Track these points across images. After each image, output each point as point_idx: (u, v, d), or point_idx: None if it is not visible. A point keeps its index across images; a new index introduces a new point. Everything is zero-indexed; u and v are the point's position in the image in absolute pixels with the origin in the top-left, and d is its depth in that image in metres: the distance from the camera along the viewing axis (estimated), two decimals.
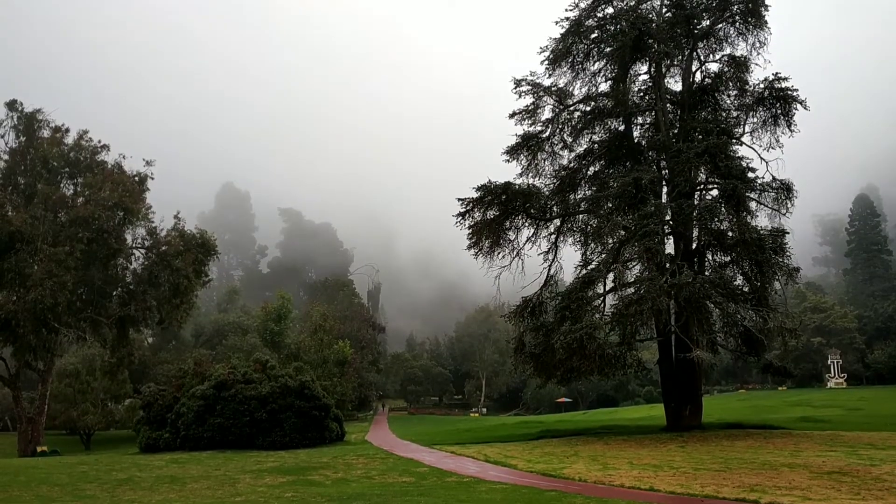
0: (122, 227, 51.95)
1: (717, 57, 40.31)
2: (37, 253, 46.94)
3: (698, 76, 40.74)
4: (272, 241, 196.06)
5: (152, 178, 55.24)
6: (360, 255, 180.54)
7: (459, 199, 39.69)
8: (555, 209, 40.83)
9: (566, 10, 40.42)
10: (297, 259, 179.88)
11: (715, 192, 37.12)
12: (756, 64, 38.84)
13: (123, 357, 55.99)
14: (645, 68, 41.13)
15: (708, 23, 39.77)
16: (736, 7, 38.97)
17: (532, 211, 40.17)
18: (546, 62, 40.86)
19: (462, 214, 39.74)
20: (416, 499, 16.91)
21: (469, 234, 39.90)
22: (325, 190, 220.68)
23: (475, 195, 39.24)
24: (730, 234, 35.41)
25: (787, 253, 34.95)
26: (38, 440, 49.48)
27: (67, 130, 54.57)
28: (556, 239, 41.02)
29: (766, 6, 38.81)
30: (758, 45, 39.16)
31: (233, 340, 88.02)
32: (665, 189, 37.93)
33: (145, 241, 53.80)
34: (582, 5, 40.24)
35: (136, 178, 54.05)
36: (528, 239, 40.88)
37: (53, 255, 45.95)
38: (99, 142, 55.24)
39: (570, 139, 41.78)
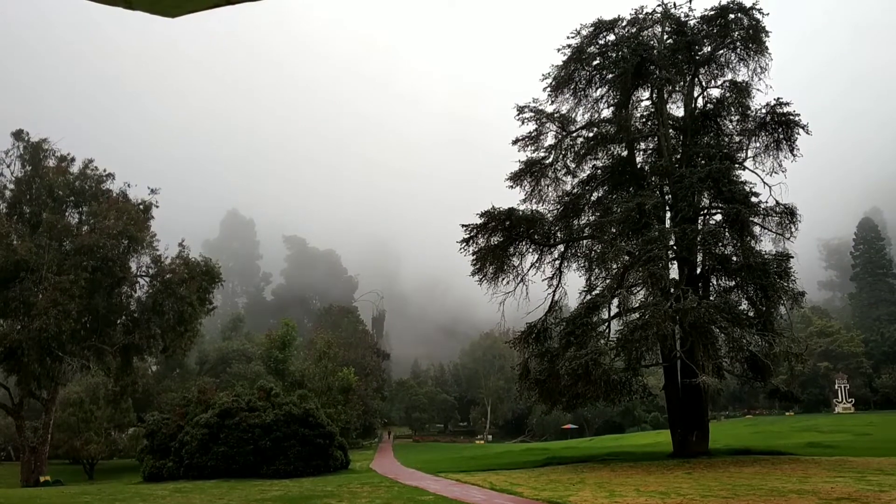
0: (126, 256, 52.10)
1: (719, 82, 40.62)
2: (41, 282, 47.06)
3: (700, 101, 41.02)
4: (276, 269, 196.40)
5: (157, 206, 55.56)
6: (365, 282, 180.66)
7: (463, 226, 39.88)
8: (559, 235, 40.96)
9: (568, 37, 40.88)
10: (302, 286, 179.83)
11: (718, 217, 37.22)
12: (758, 89, 39.14)
13: (127, 385, 55.90)
14: (647, 94, 41.44)
15: (709, 49, 40.08)
16: (737, 33, 39.30)
17: (536, 237, 40.30)
18: (548, 89, 41.21)
19: (466, 241, 39.88)
20: None
21: (473, 260, 40.02)
22: (330, 217, 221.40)
23: (479, 221, 39.44)
24: (734, 258, 35.43)
25: (792, 277, 34.94)
26: (41, 470, 49.22)
27: (73, 159, 55.04)
28: (561, 264, 41.09)
29: (767, 32, 39.13)
30: (759, 70, 39.45)
31: (237, 368, 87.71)
32: (669, 214, 38.00)
33: (150, 269, 53.93)
34: (584, 33, 40.64)
35: (141, 207, 54.35)
36: (533, 265, 41.01)
37: (58, 284, 46.06)
38: (104, 170, 55.67)
39: (573, 165, 42.02)
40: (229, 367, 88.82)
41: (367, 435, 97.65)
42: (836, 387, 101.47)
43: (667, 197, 38.54)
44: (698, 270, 37.16)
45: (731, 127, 40.36)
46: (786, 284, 34.61)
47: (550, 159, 41.82)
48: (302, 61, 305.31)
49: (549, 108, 41.38)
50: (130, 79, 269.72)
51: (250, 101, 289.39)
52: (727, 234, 35.55)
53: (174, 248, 55.10)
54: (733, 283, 36.83)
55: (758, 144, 38.85)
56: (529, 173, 41.71)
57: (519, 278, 40.77)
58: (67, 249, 50.34)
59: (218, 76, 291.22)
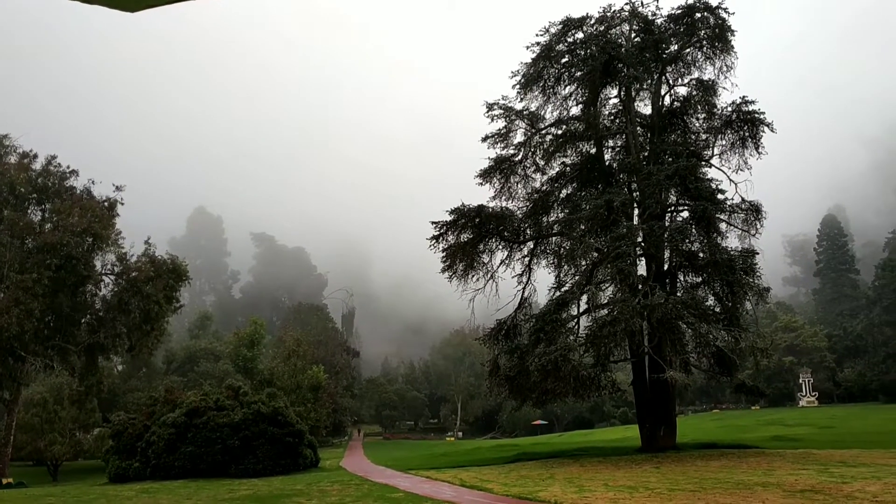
0: (91, 254, 51.27)
1: (686, 81, 41.05)
2: (3, 280, 46.20)
3: (667, 100, 41.39)
4: (245, 267, 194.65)
5: (122, 204, 54.74)
6: (334, 280, 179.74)
7: (433, 223, 39.87)
8: (528, 232, 41.10)
9: (537, 35, 40.99)
10: (271, 284, 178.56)
11: (685, 214, 37.60)
12: (724, 87, 39.61)
13: (92, 385, 55.01)
14: (615, 92, 41.72)
15: (676, 47, 40.44)
16: (703, 32, 39.69)
17: (505, 234, 40.41)
18: (518, 86, 41.28)
19: (436, 238, 39.87)
20: None
21: (443, 257, 40.02)
22: (299, 214, 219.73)
23: (449, 218, 39.45)
24: (701, 255, 35.82)
25: (758, 273, 35.43)
26: (2, 472, 48.29)
27: (35, 156, 54.06)
28: (530, 261, 41.24)
29: (733, 31, 39.59)
30: (725, 69, 39.91)
31: (205, 367, 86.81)
32: (636, 211, 38.28)
33: (115, 267, 53.14)
34: (553, 30, 40.77)
35: (106, 204, 53.52)
36: (502, 261, 41.10)
37: (20, 283, 45.21)
38: (68, 167, 54.75)
39: (542, 162, 42.15)
40: (197, 366, 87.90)
41: (336, 433, 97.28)
42: (801, 381, 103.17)
43: (635, 194, 38.82)
44: (666, 267, 37.51)
45: (697, 125, 40.80)
46: (751, 280, 35.09)
47: (520, 156, 41.95)
48: (271, 58, 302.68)
49: (519, 106, 41.52)
50: (92, 74, 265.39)
51: (218, 97, 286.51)
52: (694, 230, 35.94)
53: (140, 245, 54.40)
54: (700, 279, 37.25)
55: (724, 142, 39.32)
56: (499, 170, 41.79)
57: (489, 275, 40.86)
58: (30, 247, 49.45)
59: (184, 72, 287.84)
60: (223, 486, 30.57)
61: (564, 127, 41.49)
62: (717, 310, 36.02)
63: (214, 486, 30.83)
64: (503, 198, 42.07)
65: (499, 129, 41.56)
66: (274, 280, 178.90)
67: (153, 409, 44.76)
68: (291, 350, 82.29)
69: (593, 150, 41.57)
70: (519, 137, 41.90)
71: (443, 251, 40.00)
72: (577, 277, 37.48)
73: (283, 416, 41.59)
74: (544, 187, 42.19)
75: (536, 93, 41.58)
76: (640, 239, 35.85)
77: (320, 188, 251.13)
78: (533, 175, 42.59)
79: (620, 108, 41.63)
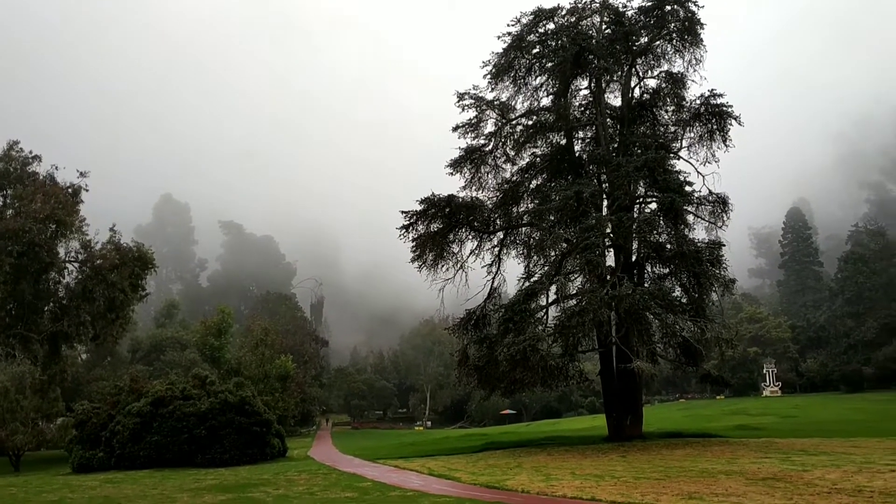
0: (54, 241, 50.38)
1: (656, 73, 41.30)
2: None
3: (637, 92, 41.64)
4: (212, 255, 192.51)
5: (86, 190, 53.88)
6: (303, 269, 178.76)
7: (403, 212, 39.76)
8: (498, 222, 41.16)
9: (508, 24, 40.94)
10: (238, 272, 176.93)
11: (654, 206, 37.87)
12: (692, 80, 39.94)
13: (55, 374, 54.19)
14: (585, 83, 41.81)
15: (646, 40, 40.64)
16: (673, 25, 39.94)
17: (475, 224, 40.43)
18: (489, 76, 41.21)
19: (406, 227, 39.78)
20: None
21: (413, 246, 39.95)
22: (267, 203, 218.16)
23: (419, 208, 39.37)
24: (668, 246, 36.15)
25: (724, 265, 35.86)
26: None
27: None
28: (500, 251, 41.33)
29: (702, 24, 39.92)
30: (694, 62, 40.23)
31: (171, 356, 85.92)
32: (606, 202, 38.48)
33: (79, 254, 52.28)
34: (524, 21, 40.74)
35: (70, 190, 52.60)
36: (472, 252, 41.12)
37: None
38: (30, 152, 53.72)
39: (512, 153, 42.20)
40: (163, 355, 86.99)
41: (305, 423, 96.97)
42: (765, 371, 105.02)
43: (604, 185, 39.03)
44: (634, 258, 37.79)
45: (666, 117, 41.12)
46: (717, 272, 35.51)
47: (490, 146, 41.94)
48: (241, 46, 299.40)
49: (490, 96, 41.47)
50: (58, 57, 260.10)
51: (186, 83, 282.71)
52: (662, 222, 36.26)
53: (105, 233, 53.58)
54: (667, 270, 37.59)
55: (692, 134, 39.69)
56: (469, 160, 41.76)
57: (458, 265, 40.87)
58: None
59: (153, 58, 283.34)
60: (189, 476, 30.32)
61: (535, 118, 41.54)
62: (684, 301, 36.40)
63: (180, 476, 30.56)
64: (473, 188, 42.09)
65: (469, 119, 41.52)
66: (242, 269, 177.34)
67: (118, 398, 44.15)
68: (259, 339, 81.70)
69: (563, 142, 41.67)
70: (490, 127, 41.91)
71: (412, 241, 39.92)
72: (546, 268, 37.59)
73: (251, 405, 41.32)
74: (514, 178, 42.26)
75: (507, 83, 41.56)
76: (608, 230, 36.06)
77: (289, 176, 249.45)
78: (503, 165, 42.65)
79: (591, 99, 41.77)
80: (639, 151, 37.86)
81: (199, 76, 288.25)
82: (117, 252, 51.83)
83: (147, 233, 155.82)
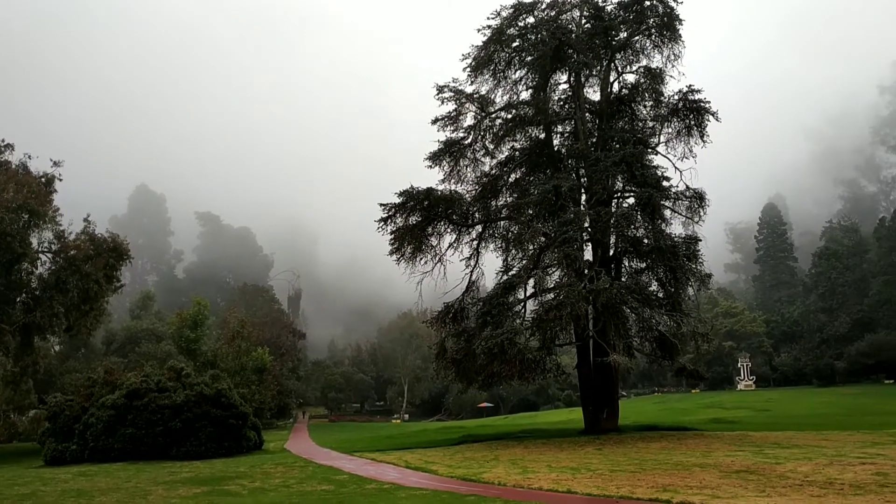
0: (27, 231, 49.56)
1: (634, 68, 41.49)
2: None
3: (616, 87, 41.82)
4: (189, 246, 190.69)
5: (60, 180, 53.05)
6: (280, 261, 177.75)
7: (382, 205, 39.68)
8: (476, 215, 41.19)
9: (488, 18, 40.94)
10: (215, 264, 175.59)
11: (631, 200, 38.10)
12: (671, 76, 40.23)
13: (27, 366, 53.49)
14: (565, 78, 41.93)
15: (625, 35, 40.80)
16: (652, 20, 40.13)
17: (454, 217, 40.43)
18: (468, 69, 41.21)
19: (384, 220, 39.71)
20: None
21: (391, 239, 39.90)
22: (244, 194, 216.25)
23: (397, 201, 39.32)
24: (645, 241, 36.36)
25: (700, 260, 36.21)
26: None
27: None
28: (478, 245, 41.39)
29: (681, 20, 40.14)
30: (672, 57, 40.50)
31: (146, 348, 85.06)
32: (584, 197, 38.65)
33: (52, 244, 51.52)
34: (504, 14, 40.73)
35: (43, 180, 51.79)
36: (451, 245, 41.16)
37: None
38: (2, 141, 52.81)
39: (491, 146, 42.21)
40: (138, 347, 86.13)
41: (281, 415, 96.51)
42: (739, 365, 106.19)
43: (582, 180, 39.20)
44: (611, 252, 38.00)
45: (644, 112, 41.33)
46: (694, 267, 35.83)
47: (469, 140, 41.94)
48: (216, 33, 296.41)
49: (469, 89, 41.47)
50: (32, 45, 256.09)
51: (161, 72, 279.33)
52: (639, 217, 36.46)
53: (79, 223, 52.80)
54: (644, 264, 37.83)
55: (670, 130, 39.94)
56: (448, 153, 41.74)
57: (437, 258, 40.91)
58: None
59: (128, 46, 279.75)
60: (164, 469, 30.09)
61: (514, 111, 41.54)
62: (661, 295, 36.66)
63: (155, 469, 30.32)
64: (452, 181, 42.14)
65: (449, 112, 41.50)
66: (219, 260, 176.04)
67: (92, 390, 43.65)
68: (236, 331, 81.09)
69: (542, 136, 41.74)
70: (469, 121, 41.92)
71: (391, 234, 39.87)
72: (524, 261, 37.69)
73: (227, 397, 41.02)
74: (493, 171, 42.29)
75: (487, 76, 41.59)
76: (586, 224, 36.23)
77: (267, 167, 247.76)
78: (482, 159, 42.68)
79: (570, 93, 41.89)
80: (617, 146, 38.05)
81: (175, 66, 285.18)
82: (91, 242, 51.17)
83: (122, 223, 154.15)
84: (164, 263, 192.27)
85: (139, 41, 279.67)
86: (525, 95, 41.79)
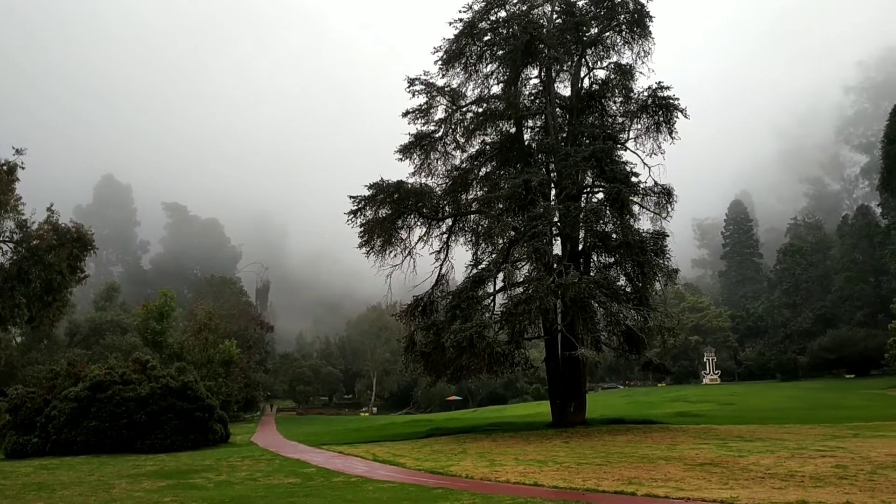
0: None
1: (605, 64, 41.66)
2: None
3: (586, 82, 41.95)
4: (155, 237, 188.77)
5: (23, 168, 51.83)
6: (249, 253, 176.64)
7: (351, 197, 39.50)
8: (447, 209, 41.16)
9: (460, 11, 40.81)
10: (182, 255, 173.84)
11: (600, 196, 38.33)
12: (640, 72, 40.39)
13: None
14: (536, 72, 41.98)
15: (596, 30, 40.96)
16: (623, 17, 40.34)
17: (424, 210, 40.36)
18: (440, 62, 41.09)
19: (354, 212, 39.54)
20: (301, 500, 16.59)
21: (361, 232, 39.71)
22: (212, 185, 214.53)
23: (367, 193, 39.15)
24: (614, 236, 36.60)
25: (667, 255, 36.55)
26: None
27: None
28: (448, 238, 41.35)
29: (651, 17, 40.40)
30: (643, 54, 40.72)
31: (111, 340, 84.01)
32: (553, 191, 38.79)
33: (14, 234, 50.41)
34: (476, 7, 40.68)
35: (5, 168, 50.62)
36: (420, 238, 41.08)
37: None
38: None
39: (462, 140, 42.16)
40: (102, 339, 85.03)
41: (249, 408, 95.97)
42: (705, 359, 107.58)
43: (552, 174, 39.32)
44: (580, 247, 38.19)
45: (614, 108, 41.50)
46: (661, 262, 36.15)
47: (440, 133, 41.86)
48: (186, 22, 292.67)
49: (440, 82, 41.35)
50: None
51: (130, 59, 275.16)
52: (608, 212, 36.67)
53: (42, 213, 51.72)
54: (613, 259, 38.08)
55: (639, 126, 40.14)
56: (419, 146, 41.63)
57: (407, 251, 40.81)
58: None
59: (95, 33, 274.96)
60: (128, 462, 29.73)
61: (485, 105, 41.54)
62: (628, 290, 36.94)
63: (119, 462, 29.95)
64: (423, 174, 42.02)
65: (420, 105, 41.33)
66: (186, 252, 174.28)
67: (54, 382, 43.01)
68: (203, 324, 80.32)
69: (513, 130, 41.80)
70: (440, 114, 41.79)
71: (360, 226, 39.69)
72: (493, 255, 37.75)
73: (193, 390, 40.67)
74: (464, 165, 42.27)
75: (458, 70, 41.51)
76: (556, 219, 36.34)
77: (236, 158, 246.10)
78: (453, 152, 42.62)
79: (541, 88, 41.97)
80: (587, 141, 38.24)
81: (143, 54, 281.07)
82: (55, 232, 50.21)
83: (87, 213, 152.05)
84: (129, 254, 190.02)
85: (107, 28, 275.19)
86: (496, 89, 41.84)
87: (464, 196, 41.64)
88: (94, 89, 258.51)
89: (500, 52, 40.36)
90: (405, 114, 41.49)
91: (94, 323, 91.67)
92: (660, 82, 39.03)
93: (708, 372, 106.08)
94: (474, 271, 37.58)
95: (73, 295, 59.95)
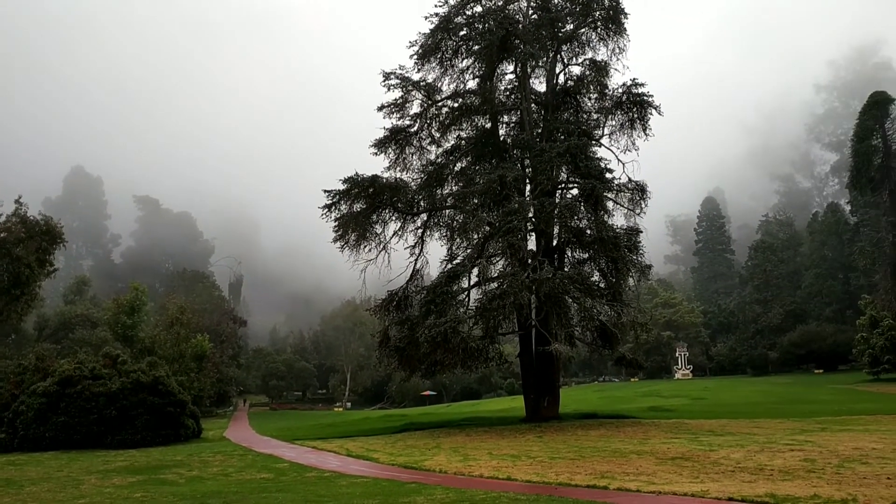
0: None
1: (580, 60, 41.75)
2: None
3: (561, 78, 42.06)
4: (126, 230, 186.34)
5: None
6: (222, 247, 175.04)
7: (326, 191, 39.26)
8: (422, 204, 41.07)
9: (436, 5, 40.73)
10: (154, 249, 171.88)
11: (575, 192, 38.49)
12: (615, 69, 40.56)
13: None
14: (511, 68, 42.04)
15: (571, 27, 41.07)
16: (598, 13, 40.47)
17: (399, 205, 40.23)
18: (415, 56, 40.96)
19: (328, 207, 39.28)
20: (274, 495, 16.50)
21: (335, 226, 39.45)
22: (185, 178, 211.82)
23: (342, 187, 38.92)
24: (588, 231, 36.76)
25: (641, 251, 36.80)
26: None
27: None
28: (423, 233, 41.29)
29: (626, 14, 40.58)
30: (617, 50, 40.91)
31: (81, 334, 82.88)
32: (528, 187, 38.88)
33: None
34: (451, 2, 40.58)
35: None
36: (395, 233, 40.94)
37: None
38: None
39: (437, 134, 42.13)
40: (72, 333, 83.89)
41: (221, 403, 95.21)
42: (677, 354, 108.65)
43: (527, 170, 39.39)
44: (555, 242, 38.30)
45: (589, 104, 41.67)
46: (635, 258, 36.39)
47: (416, 128, 41.77)
48: (162, 14, 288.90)
49: (416, 77, 41.21)
50: None
51: (102, 50, 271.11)
52: (582, 208, 36.83)
53: (10, 205, 51.02)
54: (587, 255, 38.27)
55: (614, 122, 40.39)
56: (394, 141, 41.50)
57: (381, 246, 40.64)
58: None
59: (67, 22, 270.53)
60: (98, 458, 29.38)
61: (461, 100, 41.52)
62: (602, 285, 37.14)
63: (88, 458, 29.58)
64: (398, 169, 41.90)
65: (395, 99, 41.18)
66: (157, 245, 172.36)
67: (22, 377, 42.34)
68: (175, 318, 79.48)
69: (489, 125, 41.81)
70: (415, 108, 41.71)
71: (335, 221, 39.43)
72: (468, 250, 37.74)
73: (165, 385, 40.23)
74: (439, 160, 42.21)
75: (434, 64, 41.40)
76: (531, 214, 36.43)
77: (209, 151, 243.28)
78: (428, 147, 42.57)
79: (516, 84, 42.02)
80: (562, 137, 38.37)
81: (115, 45, 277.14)
82: (23, 225, 49.51)
83: (56, 206, 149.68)
84: (100, 248, 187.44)
85: (77, 16, 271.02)
86: (472, 84, 41.83)
87: (439, 191, 41.57)
88: (64, 80, 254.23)
89: (476, 48, 40.33)
90: (380, 108, 41.35)
91: (64, 317, 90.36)
92: (634, 79, 39.33)
93: (680, 367, 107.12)
94: (449, 266, 37.55)
95: (42, 289, 59.19)
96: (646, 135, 39.72)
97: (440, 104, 41.71)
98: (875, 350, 72.71)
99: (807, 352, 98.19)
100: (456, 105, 41.56)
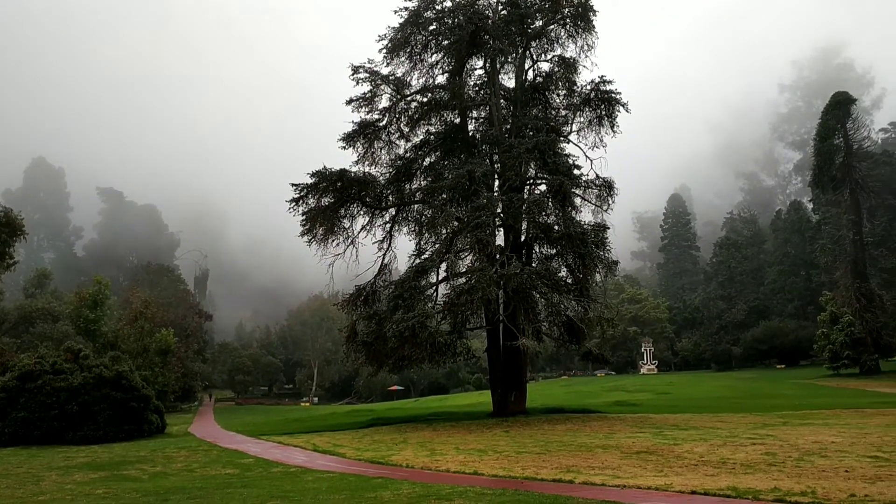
0: None
1: (549, 57, 41.98)
2: None
3: (531, 74, 42.20)
4: (89, 223, 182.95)
5: None
6: (187, 240, 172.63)
7: (293, 185, 38.97)
8: (390, 198, 40.97)
9: None
10: (117, 242, 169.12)
11: (543, 187, 38.62)
12: (584, 66, 40.81)
13: None
14: (481, 63, 42.06)
15: (541, 23, 41.20)
16: (567, 10, 40.64)
17: (367, 199, 40.10)
18: (384, 50, 40.80)
19: (296, 200, 39.01)
20: (239, 490, 16.35)
21: (303, 220, 39.20)
22: (150, 170, 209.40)
23: (310, 181, 38.64)
24: (556, 227, 36.94)
25: (608, 247, 37.06)
26: None
27: None
28: (391, 228, 41.19)
29: (595, 12, 40.79)
30: (586, 48, 41.11)
31: (41, 328, 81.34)
32: (497, 182, 38.95)
33: None
34: None
35: None
36: (363, 227, 40.81)
37: None
38: None
39: (406, 129, 42.02)
40: (32, 327, 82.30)
41: (186, 398, 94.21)
42: (643, 350, 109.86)
43: (496, 166, 39.45)
44: (523, 238, 38.43)
45: (558, 101, 41.87)
46: (602, 253, 36.64)
47: (384, 122, 41.60)
48: (130, 6, 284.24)
49: (385, 71, 41.03)
50: None
51: (64, 38, 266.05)
52: (550, 204, 36.96)
53: None
54: (554, 251, 38.45)
55: (582, 119, 40.61)
56: (363, 135, 41.29)
57: (349, 240, 40.49)
58: None
59: (24, 13, 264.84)
60: (59, 454, 28.90)
61: (430, 95, 41.45)
62: (569, 281, 37.37)
63: (49, 454, 29.09)
64: (366, 163, 41.69)
65: (364, 93, 40.96)
66: (121, 238, 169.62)
67: None
68: (139, 312, 78.42)
69: (458, 120, 41.81)
70: (384, 103, 41.51)
71: (303, 214, 39.17)
72: (437, 245, 37.73)
73: (128, 380, 39.69)
74: (408, 154, 42.12)
75: (403, 58, 41.29)
76: (499, 210, 36.49)
77: (175, 143, 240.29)
78: (397, 141, 42.43)
79: (485, 79, 42.05)
80: (531, 133, 38.49)
81: (78, 35, 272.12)
82: None
83: (17, 198, 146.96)
84: (62, 240, 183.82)
85: (39, 7, 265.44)
86: (441, 79, 41.76)
87: (407, 186, 41.49)
88: (24, 69, 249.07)
89: (446, 42, 40.29)
90: (349, 102, 41.09)
91: (24, 311, 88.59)
92: (602, 76, 39.59)
93: (646, 362, 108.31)
94: (417, 261, 37.54)
95: (2, 282, 58.01)
96: (613, 132, 40.04)
97: (409, 99, 41.61)
98: (835, 346, 74.28)
99: (769, 347, 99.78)
100: (425, 100, 41.48)
